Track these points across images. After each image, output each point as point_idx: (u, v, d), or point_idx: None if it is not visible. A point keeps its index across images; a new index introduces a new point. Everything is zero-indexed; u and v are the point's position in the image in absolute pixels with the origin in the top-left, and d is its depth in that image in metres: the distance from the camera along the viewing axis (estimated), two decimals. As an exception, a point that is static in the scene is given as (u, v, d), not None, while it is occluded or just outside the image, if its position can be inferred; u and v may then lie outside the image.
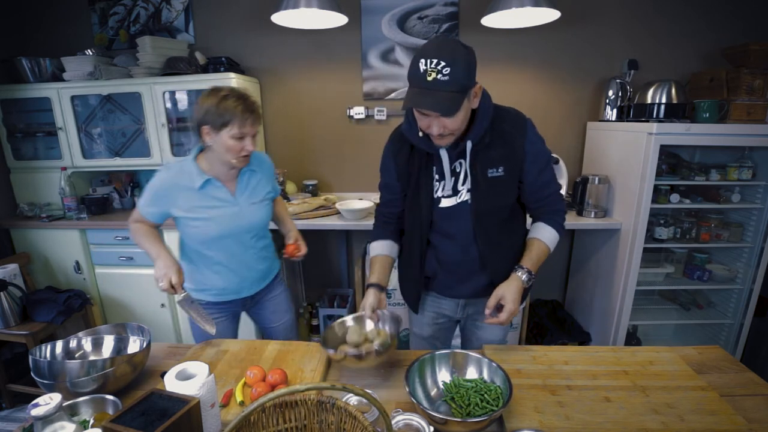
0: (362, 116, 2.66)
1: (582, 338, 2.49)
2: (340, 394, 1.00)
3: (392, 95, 2.64)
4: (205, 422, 0.83)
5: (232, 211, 1.36)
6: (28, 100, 2.49)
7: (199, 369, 0.88)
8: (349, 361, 1.09)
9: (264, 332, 1.66)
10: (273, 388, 1.03)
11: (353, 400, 1.00)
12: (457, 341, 1.53)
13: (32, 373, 0.99)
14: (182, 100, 2.47)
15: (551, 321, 2.63)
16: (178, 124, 2.49)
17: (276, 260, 1.62)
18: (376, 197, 1.51)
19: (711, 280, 2.30)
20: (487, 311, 1.13)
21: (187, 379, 0.85)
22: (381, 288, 1.23)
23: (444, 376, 1.08)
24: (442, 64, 0.94)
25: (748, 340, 2.33)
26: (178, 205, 1.33)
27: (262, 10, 2.51)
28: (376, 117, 2.65)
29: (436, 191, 1.19)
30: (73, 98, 2.46)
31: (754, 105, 2.05)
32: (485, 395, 0.98)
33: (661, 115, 2.11)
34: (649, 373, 1.12)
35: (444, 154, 1.13)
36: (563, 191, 2.34)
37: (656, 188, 2.06)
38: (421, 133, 1.11)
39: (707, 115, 2.05)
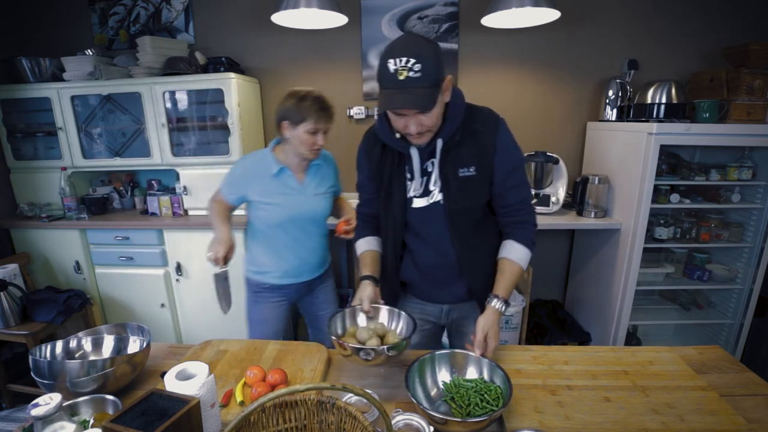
0: (362, 116, 2.66)
1: (582, 338, 2.49)
2: (340, 394, 1.00)
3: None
4: (205, 422, 0.83)
5: (299, 198, 1.54)
6: (28, 100, 2.49)
7: (199, 369, 0.88)
8: (356, 358, 1.05)
9: (311, 321, 1.83)
10: (273, 388, 1.03)
11: (353, 400, 1.00)
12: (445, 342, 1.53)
13: (32, 373, 0.99)
14: (182, 100, 2.47)
15: (551, 321, 2.63)
16: (178, 124, 2.49)
17: (329, 253, 1.76)
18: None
19: (711, 280, 2.30)
20: (478, 352, 1.06)
21: (187, 379, 0.85)
22: (376, 281, 1.21)
23: (444, 376, 1.07)
24: (412, 61, 0.92)
25: (748, 340, 2.33)
26: (254, 189, 1.52)
27: (262, 10, 2.51)
28: (376, 117, 2.64)
29: (408, 191, 1.17)
30: (73, 98, 2.46)
31: (754, 105, 2.05)
32: (485, 395, 0.98)
33: (661, 115, 2.11)
34: (649, 373, 1.12)
35: (415, 154, 1.12)
36: (563, 191, 2.34)
37: (656, 188, 2.06)
38: (398, 135, 1.10)
39: (707, 115, 2.05)
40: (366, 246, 1.30)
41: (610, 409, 0.98)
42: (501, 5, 1.96)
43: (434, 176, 1.14)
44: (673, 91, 2.10)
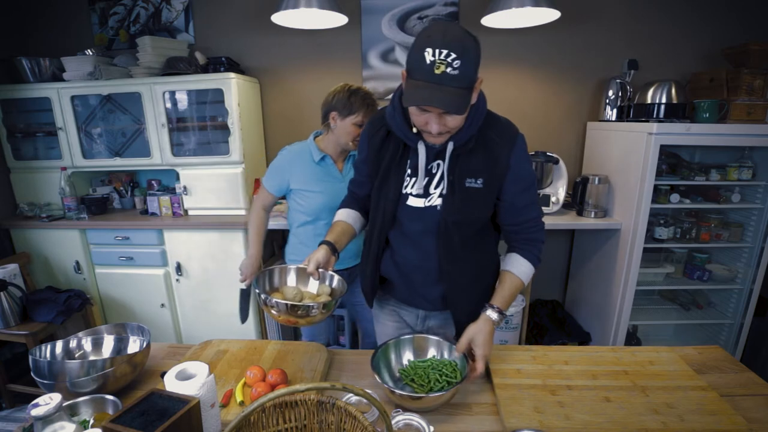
0: (362, 116, 2.66)
1: (582, 338, 2.49)
2: (340, 394, 1.00)
3: (392, 95, 2.64)
4: (205, 422, 0.83)
5: (339, 186, 1.59)
6: (28, 100, 2.49)
7: (199, 369, 0.88)
8: (280, 314, 0.98)
9: (354, 313, 1.91)
10: (273, 388, 1.03)
11: (353, 400, 1.00)
12: None
13: (32, 373, 0.99)
14: (182, 100, 2.47)
15: (551, 321, 2.63)
16: (178, 124, 2.49)
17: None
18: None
19: (711, 280, 2.30)
20: (458, 354, 1.05)
21: (187, 379, 0.85)
22: (334, 249, 1.13)
23: (408, 359, 1.12)
24: (453, 56, 0.83)
25: (748, 340, 2.33)
26: (297, 176, 1.59)
27: (262, 10, 2.51)
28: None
29: (406, 187, 1.11)
30: (73, 98, 2.45)
31: (754, 105, 2.05)
32: (442, 370, 1.03)
33: (661, 115, 2.11)
34: (649, 373, 1.12)
35: (422, 150, 1.04)
36: (563, 191, 2.34)
37: (656, 188, 2.06)
38: (415, 130, 1.03)
39: (707, 115, 2.05)
40: (344, 216, 1.25)
41: (610, 409, 0.97)
42: (501, 5, 1.97)
43: (437, 179, 1.08)
44: (673, 91, 2.10)
